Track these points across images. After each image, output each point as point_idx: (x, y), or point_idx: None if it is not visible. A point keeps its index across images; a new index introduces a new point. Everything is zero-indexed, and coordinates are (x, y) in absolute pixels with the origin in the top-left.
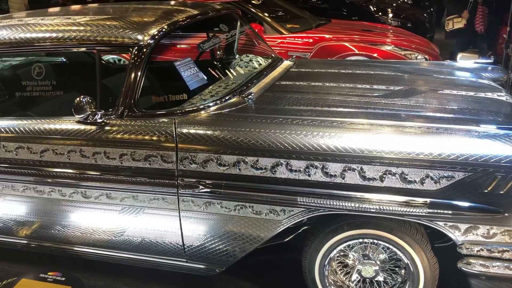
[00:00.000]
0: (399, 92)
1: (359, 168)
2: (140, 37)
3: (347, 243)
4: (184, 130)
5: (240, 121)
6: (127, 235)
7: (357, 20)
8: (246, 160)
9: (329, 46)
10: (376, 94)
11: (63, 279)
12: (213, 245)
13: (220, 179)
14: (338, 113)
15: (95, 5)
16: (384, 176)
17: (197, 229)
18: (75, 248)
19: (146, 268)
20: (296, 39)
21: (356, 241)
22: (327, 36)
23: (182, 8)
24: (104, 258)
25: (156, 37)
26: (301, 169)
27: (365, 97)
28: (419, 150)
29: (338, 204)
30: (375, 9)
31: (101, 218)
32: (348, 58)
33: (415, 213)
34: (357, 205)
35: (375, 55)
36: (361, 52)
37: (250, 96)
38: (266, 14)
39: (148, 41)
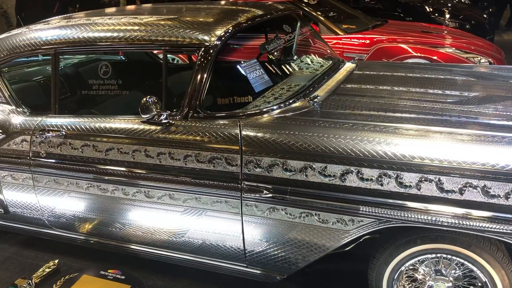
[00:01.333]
0: (475, 98)
1: (437, 180)
2: (207, 38)
3: (419, 258)
4: (249, 133)
5: (307, 126)
6: (188, 236)
7: (412, 21)
8: (314, 166)
9: (386, 48)
10: (450, 100)
11: (123, 277)
12: (275, 252)
13: (285, 184)
14: (412, 120)
15: (159, 4)
16: (464, 188)
17: (259, 234)
18: (135, 247)
19: (204, 271)
20: (352, 40)
21: (429, 255)
22: (384, 37)
23: (246, 9)
24: (163, 258)
25: (223, 38)
26: (373, 178)
27: (439, 103)
28: (504, 163)
29: (412, 216)
30: (431, 9)
31: (163, 219)
32: (407, 61)
33: (497, 230)
34: (433, 218)
35: (435, 57)
36: (420, 55)
37: (316, 100)
38: (321, 14)
39: (215, 42)
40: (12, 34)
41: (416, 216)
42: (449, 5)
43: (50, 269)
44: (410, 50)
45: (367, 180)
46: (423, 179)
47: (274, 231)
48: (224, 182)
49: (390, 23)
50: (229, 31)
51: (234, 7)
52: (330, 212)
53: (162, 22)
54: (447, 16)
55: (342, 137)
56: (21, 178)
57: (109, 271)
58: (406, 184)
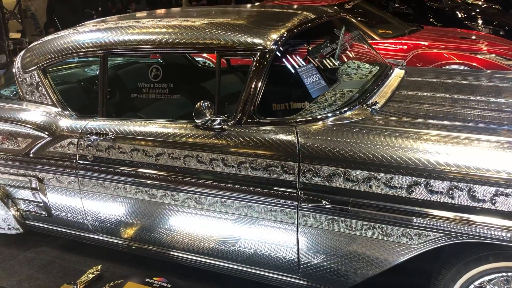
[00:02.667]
0: None
1: None
2: (262, 42)
3: (490, 276)
4: (307, 140)
5: (369, 134)
6: (239, 245)
7: (443, 27)
8: (378, 177)
9: (425, 54)
10: None
11: (169, 285)
12: (332, 265)
13: (346, 195)
14: (482, 130)
15: (211, 7)
16: None
17: (316, 246)
18: (182, 254)
19: (253, 281)
20: (389, 45)
21: (500, 274)
22: (422, 43)
23: (298, 12)
24: (211, 267)
25: (279, 42)
26: (443, 190)
27: (506, 113)
28: None
29: (485, 232)
30: (463, 15)
31: (213, 226)
32: (447, 67)
33: None
34: (509, 235)
35: (475, 64)
36: (460, 61)
37: (374, 107)
38: (356, 19)
39: (271, 47)
40: (59, 35)
41: (490, 233)
42: (478, 10)
43: (94, 275)
44: (450, 56)
45: (436, 193)
46: (499, 193)
47: (332, 244)
48: (280, 190)
49: (426, 28)
50: (285, 35)
51: (285, 10)
52: (395, 225)
53: (215, 25)
54: (480, 22)
55: (408, 147)
56: (66, 182)
57: (154, 278)
58: (480, 198)
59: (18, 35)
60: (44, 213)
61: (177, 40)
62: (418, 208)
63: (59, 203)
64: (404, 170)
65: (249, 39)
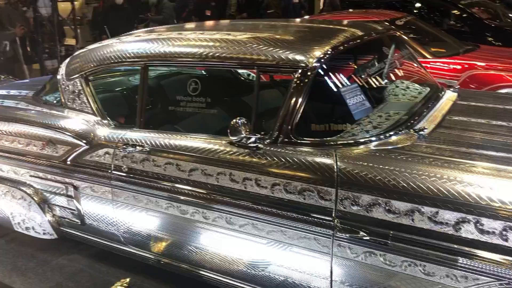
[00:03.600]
0: None
1: None
2: (305, 59)
3: None
4: (347, 166)
5: (415, 162)
6: (269, 271)
7: (502, 47)
8: (423, 210)
9: (480, 75)
10: None
11: None
12: None
13: (387, 228)
14: None
15: (254, 20)
16: None
17: (350, 279)
18: (209, 274)
19: None
20: (442, 64)
21: None
22: (478, 63)
23: (344, 28)
24: None
25: (322, 60)
26: (495, 231)
27: None
28: None
29: None
30: None
31: (243, 248)
32: (504, 91)
33: None
34: None
35: None
36: None
37: (422, 132)
38: (408, 36)
39: (313, 64)
40: (103, 45)
41: None
42: None
43: (122, 287)
44: (508, 78)
45: (487, 232)
46: None
47: (368, 278)
48: (314, 217)
49: (483, 48)
50: (328, 52)
51: (332, 26)
52: (439, 264)
53: (257, 40)
54: None
55: (458, 179)
56: (100, 191)
57: None
58: None
59: (73, 41)
60: (77, 221)
61: (217, 54)
62: (466, 248)
63: (92, 212)
64: (452, 205)
65: (291, 55)
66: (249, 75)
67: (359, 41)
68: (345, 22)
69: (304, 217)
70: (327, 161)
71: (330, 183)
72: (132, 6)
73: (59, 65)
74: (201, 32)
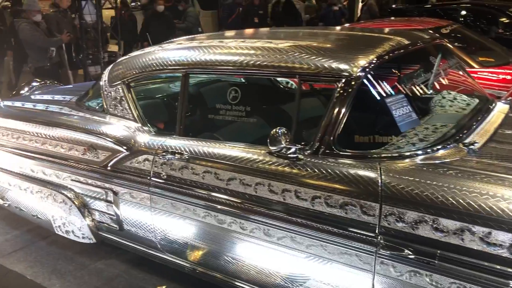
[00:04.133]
0: None
1: None
2: (348, 68)
3: None
4: (392, 180)
5: (465, 178)
6: (307, 286)
7: None
8: (473, 230)
9: None
10: None
11: None
12: None
13: (434, 247)
14: None
15: (299, 29)
16: None
17: None
18: (245, 286)
19: None
20: (490, 74)
21: None
22: None
23: (390, 37)
24: None
25: (366, 69)
26: None
27: None
28: None
29: None
30: None
31: (281, 262)
32: None
33: None
34: None
35: None
36: None
37: (472, 146)
38: (454, 45)
39: (358, 74)
40: (145, 52)
41: None
42: None
43: None
44: None
45: None
46: None
47: None
48: (356, 232)
49: None
50: (373, 61)
51: (376, 34)
52: None
53: (299, 48)
54: None
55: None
56: (139, 197)
57: None
58: None
59: (116, 47)
60: (116, 226)
61: (258, 63)
62: None
63: (130, 218)
64: (506, 226)
65: (334, 65)
66: (288, 83)
67: (404, 50)
68: (389, 30)
69: (346, 232)
70: (371, 174)
71: (373, 197)
72: (172, 13)
73: (102, 71)
74: (242, 40)
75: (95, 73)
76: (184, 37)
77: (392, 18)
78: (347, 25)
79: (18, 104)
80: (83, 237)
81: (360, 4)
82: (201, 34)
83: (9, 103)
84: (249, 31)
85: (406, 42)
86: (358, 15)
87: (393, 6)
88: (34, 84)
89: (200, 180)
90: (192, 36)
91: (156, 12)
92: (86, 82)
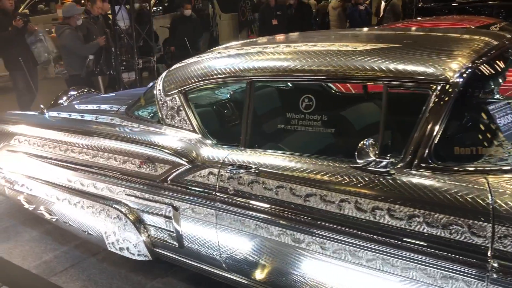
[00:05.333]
0: None
1: None
2: (445, 73)
3: None
4: (505, 197)
5: None
6: None
7: None
8: None
9: None
10: None
11: None
12: None
13: None
14: None
15: (374, 30)
16: None
17: None
18: None
19: None
20: None
21: None
22: None
23: (477, 37)
24: None
25: (464, 74)
26: None
27: None
28: None
29: None
30: None
31: (371, 286)
32: None
33: None
34: None
35: None
36: None
37: None
38: None
39: (455, 80)
40: (202, 59)
41: None
42: None
43: None
44: None
45: None
46: None
47: None
48: (464, 255)
49: None
50: (470, 65)
51: (457, 34)
52: None
53: (381, 52)
54: None
55: None
56: (203, 213)
57: None
58: None
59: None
60: (175, 243)
61: (335, 69)
62: None
63: (192, 235)
64: None
65: (427, 69)
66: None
67: (497, 50)
68: (475, 30)
69: (451, 255)
70: (478, 190)
71: (484, 217)
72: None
73: (136, 77)
74: (313, 44)
75: (129, 80)
76: (241, 42)
77: (430, 17)
78: (375, 26)
79: (64, 114)
80: (138, 254)
81: (383, 4)
82: (262, 38)
83: (54, 113)
84: (315, 33)
85: (495, 42)
86: (381, 14)
87: (420, 4)
88: (72, 93)
89: (274, 196)
90: (252, 40)
91: (184, 16)
92: (128, 90)
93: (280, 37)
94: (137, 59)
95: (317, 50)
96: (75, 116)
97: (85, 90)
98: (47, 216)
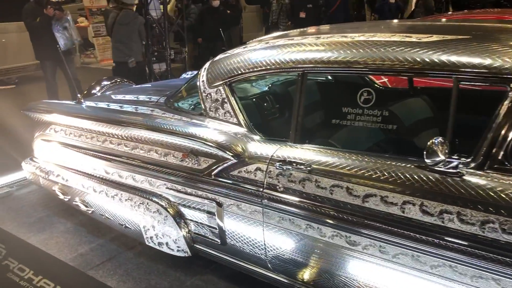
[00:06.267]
0: None
1: None
2: None
3: None
4: None
5: None
6: None
7: None
8: None
9: None
10: None
11: None
12: None
13: None
14: None
15: (438, 19)
16: None
17: None
18: None
19: None
20: None
21: None
22: None
23: None
24: None
25: None
26: None
27: None
28: None
29: None
30: None
31: None
32: None
33: None
34: None
35: None
36: None
37: None
38: None
39: None
40: (249, 49)
41: None
42: None
43: None
44: None
45: None
46: None
47: None
48: None
49: None
50: None
51: None
52: None
53: (451, 43)
54: None
55: None
56: (248, 210)
57: None
58: None
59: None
60: (217, 240)
61: (400, 61)
62: None
63: (236, 232)
64: None
65: (505, 63)
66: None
67: None
68: None
69: None
70: None
71: None
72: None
73: (167, 68)
74: (371, 34)
75: (159, 70)
76: (293, 31)
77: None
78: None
79: (102, 104)
80: (178, 250)
81: None
82: (314, 27)
83: (91, 103)
84: (373, 23)
85: None
86: (412, 8)
87: None
88: (105, 82)
89: (328, 195)
90: (302, 29)
91: (212, 7)
92: (165, 81)
93: (330, 27)
94: (168, 49)
95: (375, 41)
96: (114, 106)
97: (118, 80)
98: (83, 207)
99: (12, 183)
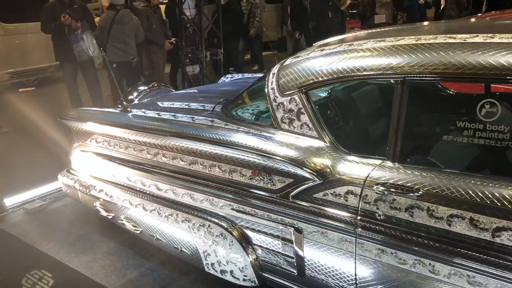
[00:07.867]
0: None
1: None
2: None
3: None
4: None
5: None
6: None
7: None
8: None
9: None
10: None
11: None
12: None
13: None
14: None
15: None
16: None
17: None
18: None
19: None
20: None
21: None
22: None
23: None
24: None
25: None
26: None
27: None
28: None
29: None
30: None
31: None
32: None
33: None
34: None
35: None
36: None
37: None
38: None
39: None
40: (328, 52)
41: None
42: None
43: None
44: None
45: None
46: None
47: None
48: None
49: None
50: None
51: None
52: None
53: None
54: None
55: None
56: (336, 239)
57: None
58: None
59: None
60: (293, 270)
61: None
62: None
63: (319, 263)
64: None
65: None
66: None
67: None
68: None
69: None
70: None
71: None
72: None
73: (201, 70)
74: (490, 35)
75: (193, 73)
76: (378, 31)
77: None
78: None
79: (151, 114)
80: (244, 279)
81: None
82: (407, 26)
83: (139, 112)
84: (470, 22)
85: None
86: (442, 6)
87: None
88: (142, 88)
89: (445, 227)
90: (397, 28)
91: (223, 5)
92: (207, 86)
93: (429, 25)
94: (204, 51)
95: (502, 43)
96: (166, 115)
97: (156, 85)
98: (130, 227)
99: (44, 196)
